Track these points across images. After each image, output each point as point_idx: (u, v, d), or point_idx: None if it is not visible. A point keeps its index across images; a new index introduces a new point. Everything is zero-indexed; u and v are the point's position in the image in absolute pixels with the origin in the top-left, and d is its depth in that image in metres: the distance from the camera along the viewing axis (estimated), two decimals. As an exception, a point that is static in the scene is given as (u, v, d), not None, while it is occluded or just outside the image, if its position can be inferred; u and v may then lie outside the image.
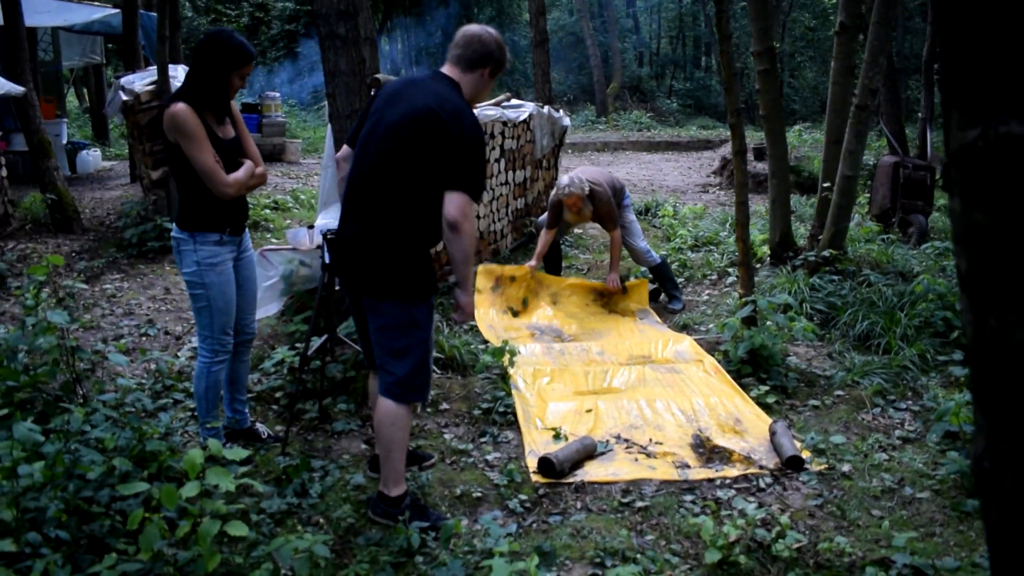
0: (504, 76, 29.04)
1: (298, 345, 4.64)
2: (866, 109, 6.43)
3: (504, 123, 7.60)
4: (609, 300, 6.85)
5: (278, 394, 4.51)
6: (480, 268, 6.59)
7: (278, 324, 5.27)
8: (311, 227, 5.22)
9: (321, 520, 3.35)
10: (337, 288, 4.11)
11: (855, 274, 6.66)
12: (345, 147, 3.54)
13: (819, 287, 6.41)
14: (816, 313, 6.09)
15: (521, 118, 8.02)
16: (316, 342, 4.14)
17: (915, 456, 4.13)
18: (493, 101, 7.83)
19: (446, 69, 3.36)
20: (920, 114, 10.85)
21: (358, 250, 3.31)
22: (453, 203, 3.09)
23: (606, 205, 6.44)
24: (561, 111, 9.71)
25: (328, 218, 5.62)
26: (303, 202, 9.47)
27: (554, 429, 4.33)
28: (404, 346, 3.31)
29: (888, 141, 10.01)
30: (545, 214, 6.93)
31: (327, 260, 3.89)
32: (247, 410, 4.05)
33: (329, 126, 5.68)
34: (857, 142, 6.54)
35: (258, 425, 4.07)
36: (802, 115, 25.62)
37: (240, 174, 3.66)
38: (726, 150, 17.44)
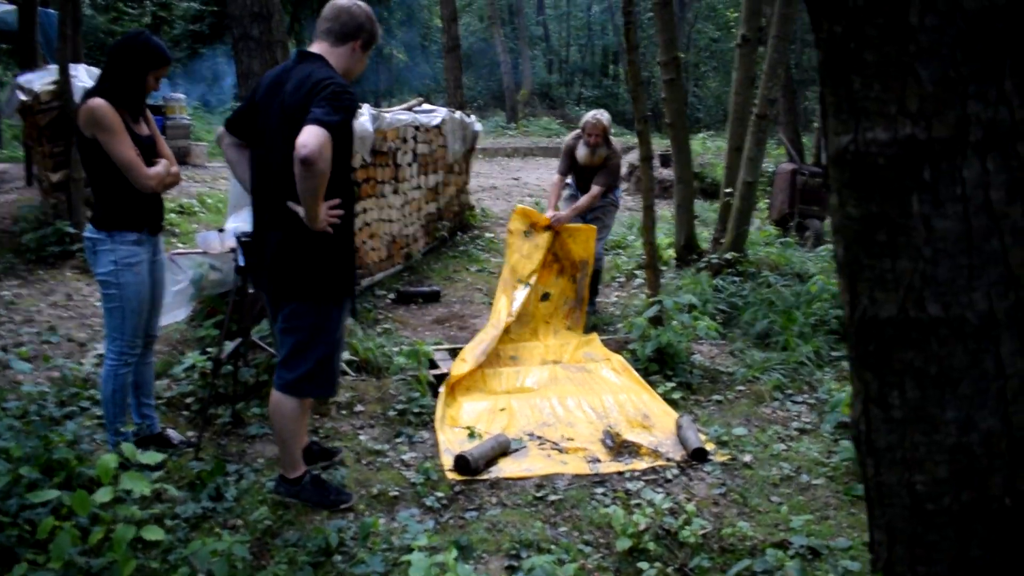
0: (416, 81, 29.03)
1: (209, 350, 4.60)
2: (765, 118, 6.74)
3: (417, 127, 7.66)
4: (556, 244, 6.29)
5: (189, 399, 4.45)
6: (518, 208, 6.43)
7: (187, 329, 5.19)
8: (221, 230, 5.16)
9: (238, 523, 3.34)
10: (251, 291, 4.10)
11: (755, 275, 6.97)
12: (222, 129, 3.49)
13: (722, 288, 6.68)
14: (719, 312, 6.34)
15: (434, 123, 8.09)
16: (230, 346, 4.12)
17: (811, 446, 4.37)
18: (405, 106, 7.88)
19: (315, 46, 3.30)
20: (816, 123, 11.37)
21: (274, 250, 3.31)
22: (308, 135, 2.85)
23: (615, 160, 6.33)
24: (473, 116, 9.81)
25: (238, 221, 5.56)
26: (210, 206, 9.31)
27: (469, 428, 4.41)
28: (308, 346, 3.33)
29: (786, 149, 10.46)
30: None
31: (241, 263, 3.88)
32: (155, 415, 3.99)
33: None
34: (757, 149, 6.85)
35: (169, 431, 4.02)
36: (706, 123, 26.44)
37: (159, 168, 3.65)
38: (633, 157, 17.85)
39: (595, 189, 6.21)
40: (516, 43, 31.10)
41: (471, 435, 4.34)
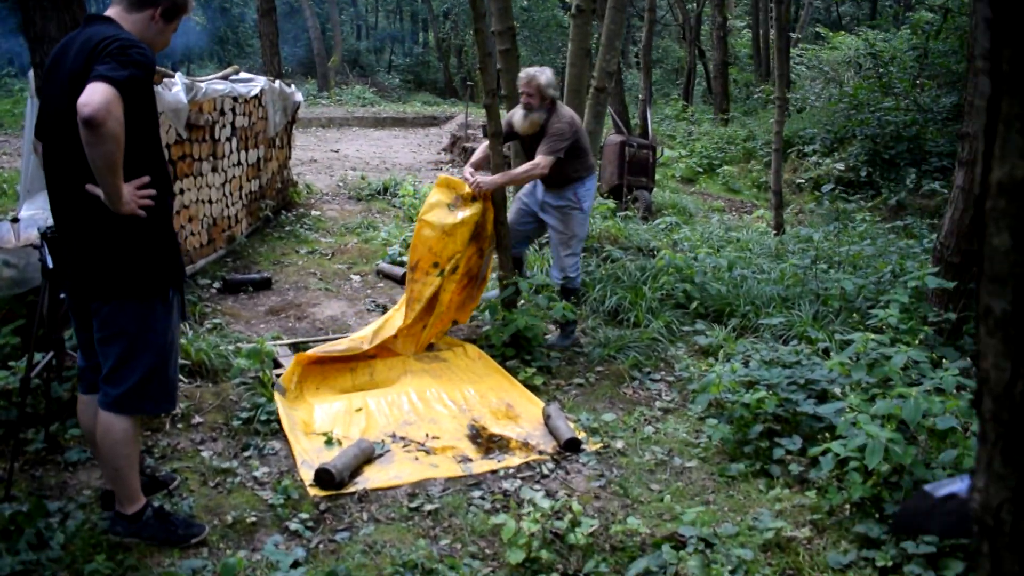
0: (227, 48, 27.25)
1: (11, 363, 3.92)
2: (604, 91, 6.66)
3: (235, 99, 7.00)
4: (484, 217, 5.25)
5: (-11, 423, 3.78)
6: (441, 178, 5.42)
7: (-21, 338, 4.43)
8: (16, 220, 4.44)
9: (67, 576, 2.83)
10: (62, 296, 3.51)
11: (599, 251, 6.92)
12: (36, 140, 2.99)
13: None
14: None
15: (252, 93, 7.45)
16: (40, 359, 3.51)
17: (678, 426, 4.33)
18: (221, 74, 7.18)
19: (108, 11, 2.86)
20: (640, 96, 11.56)
21: (76, 246, 2.85)
22: (89, 92, 2.46)
23: (559, 131, 5.14)
24: (293, 86, 9.18)
25: (34, 209, 4.83)
26: (-9, 188, 8.18)
27: (325, 434, 4.02)
28: (134, 354, 2.89)
29: (613, 121, 10.55)
30: None
31: (51, 265, 3.30)
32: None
33: (31, 101, 4.87)
34: (596, 123, 6.78)
35: (-33, 466, 3.37)
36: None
37: None
38: (453, 126, 17.62)
39: (536, 158, 5.12)
40: (323, 6, 29.89)
41: (328, 442, 3.96)
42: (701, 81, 25.52)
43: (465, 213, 5.17)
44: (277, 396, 4.29)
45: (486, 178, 5.18)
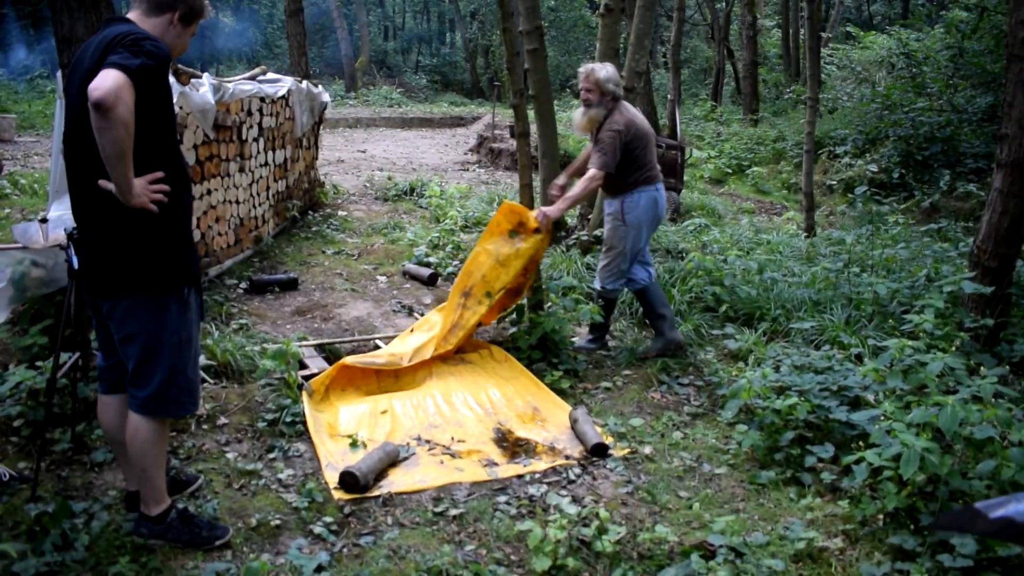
0: (256, 49, 27.45)
1: (39, 364, 3.93)
2: (633, 91, 6.58)
3: (262, 99, 7.02)
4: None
5: (17, 423, 3.78)
6: (506, 204, 5.17)
7: (9, 336, 4.46)
8: (44, 220, 4.46)
9: (92, 579, 2.81)
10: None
11: (626, 252, 6.84)
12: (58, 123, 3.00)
13: (594, 266, 6.51)
14: (594, 292, 6.17)
15: (280, 93, 7.46)
16: (67, 359, 3.51)
17: (706, 431, 4.26)
18: (248, 75, 7.20)
19: (128, 14, 2.88)
20: (669, 96, 11.45)
21: (90, 243, 2.84)
22: (103, 79, 2.44)
23: (607, 140, 4.81)
24: (320, 86, 9.20)
25: (62, 209, 4.85)
26: (24, 188, 8.24)
27: (351, 437, 4.00)
28: (152, 355, 2.87)
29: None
30: None
31: (75, 264, 3.30)
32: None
33: (59, 101, 4.88)
34: (624, 123, 6.69)
35: (-5, 466, 3.38)
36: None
37: None
38: (480, 127, 17.60)
39: (589, 171, 4.84)
40: (350, 8, 30.00)
41: (354, 445, 3.94)
42: (730, 81, 25.30)
43: (525, 244, 4.98)
44: (304, 397, 4.28)
45: (552, 208, 4.95)
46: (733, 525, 3.27)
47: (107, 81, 2.44)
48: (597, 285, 5.27)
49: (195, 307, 3.01)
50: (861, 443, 3.61)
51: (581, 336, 5.45)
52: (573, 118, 5.14)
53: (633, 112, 5.00)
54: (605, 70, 4.91)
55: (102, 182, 2.68)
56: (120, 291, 2.82)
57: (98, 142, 2.51)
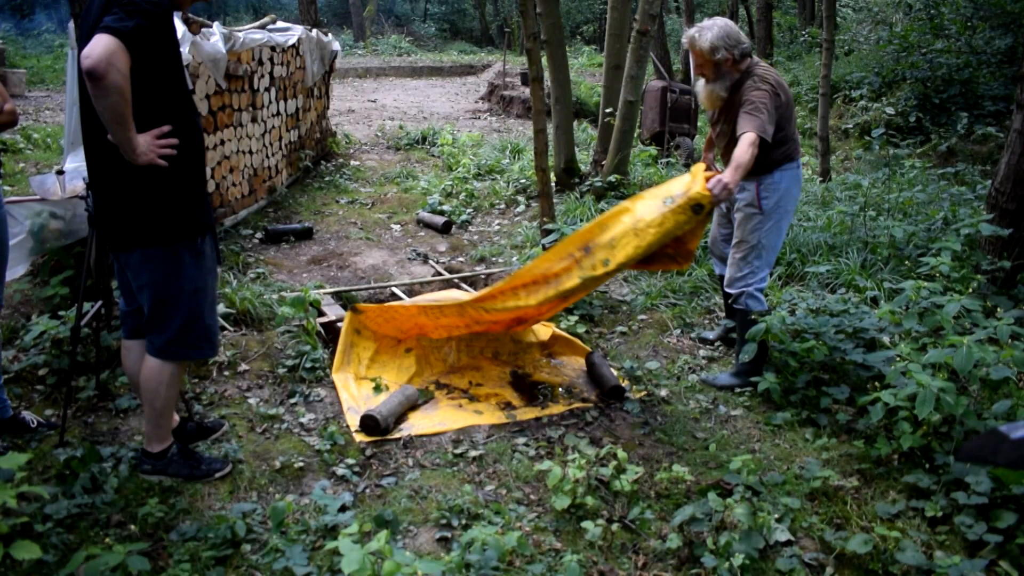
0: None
1: (61, 313, 3.98)
2: (647, 34, 6.50)
3: (273, 48, 6.97)
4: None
5: (42, 371, 3.85)
6: (697, 166, 3.75)
7: (30, 288, 4.51)
8: (61, 172, 4.47)
9: (122, 519, 2.88)
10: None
11: (640, 198, 6.82)
12: (71, 76, 2.98)
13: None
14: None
15: (290, 42, 7.40)
16: (89, 308, 3.56)
17: (723, 375, 4.28)
18: (258, 24, 7.14)
19: None
20: (682, 40, 11.28)
21: (103, 195, 2.86)
22: (94, 46, 2.42)
23: (750, 95, 3.82)
24: (330, 35, 9.11)
25: (79, 161, 4.86)
26: (37, 142, 8.24)
27: (374, 380, 4.04)
28: (168, 302, 2.90)
29: (655, 66, 10.33)
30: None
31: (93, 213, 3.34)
32: (6, 397, 3.40)
33: (71, 52, 4.86)
34: (638, 67, 6.62)
35: (23, 413, 3.44)
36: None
37: None
38: (490, 75, 17.43)
39: (746, 136, 3.71)
40: (357, -46, 29.49)
41: (377, 388, 3.99)
42: (743, 25, 24.86)
43: (670, 213, 3.56)
44: (347, 318, 4.29)
45: (727, 174, 3.57)
46: (749, 464, 3.30)
47: (97, 48, 2.42)
48: (732, 291, 4.17)
49: (210, 255, 3.03)
50: (877, 384, 3.63)
51: (718, 374, 4.35)
52: (696, 91, 4.21)
53: (773, 72, 3.98)
54: (709, 33, 3.85)
55: (111, 137, 2.68)
56: (133, 242, 2.84)
57: (95, 108, 2.52)
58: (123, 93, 2.48)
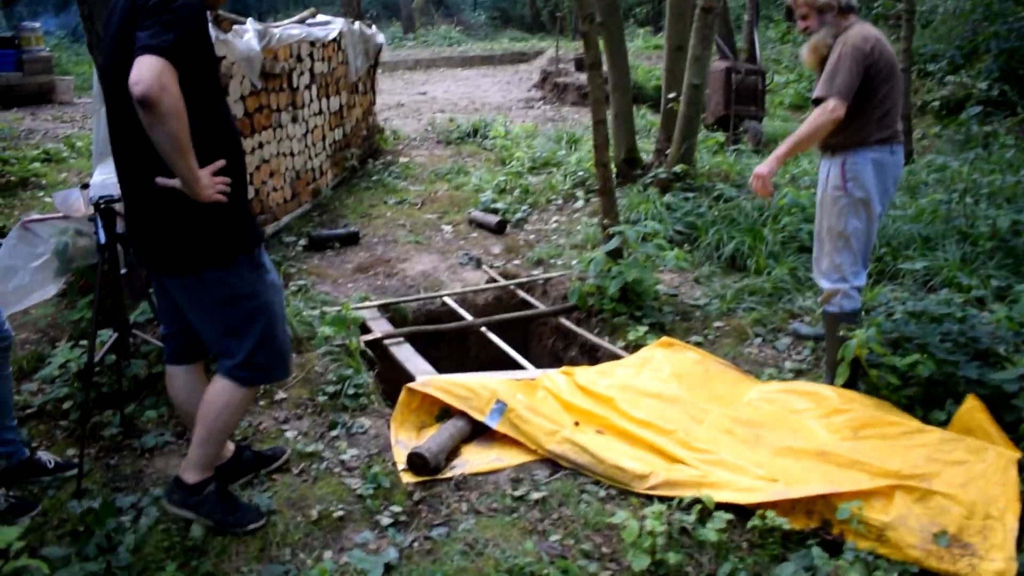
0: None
1: (84, 342, 3.68)
2: (711, 11, 5.98)
3: (312, 43, 6.62)
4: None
5: (67, 405, 3.54)
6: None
7: (58, 311, 4.22)
8: (85, 187, 4.17)
9: (138, 587, 2.54)
10: (124, 270, 3.23)
11: (709, 190, 6.32)
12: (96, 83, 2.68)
13: (675, 206, 6.02)
14: (676, 235, 5.68)
15: (331, 37, 7.06)
16: (107, 339, 3.23)
17: (814, 392, 3.78)
18: (296, 18, 6.80)
19: None
20: (746, 18, 10.66)
21: (138, 216, 2.56)
22: (138, 68, 2.13)
23: (840, 56, 3.42)
24: (374, 27, 8.75)
25: (106, 173, 4.57)
26: (80, 150, 8.05)
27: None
28: (237, 321, 2.62)
29: (718, 46, 9.75)
30: None
31: (102, 239, 3.03)
32: (17, 439, 3.09)
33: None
34: (703, 48, 6.11)
35: (40, 454, 3.13)
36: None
37: None
38: (543, 61, 16.94)
39: (813, 113, 3.47)
40: (405, -54, 29.18)
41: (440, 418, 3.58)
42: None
43: None
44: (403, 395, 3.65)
45: (763, 165, 3.60)
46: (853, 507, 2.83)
47: (145, 72, 2.11)
48: (826, 284, 3.76)
49: (271, 267, 2.73)
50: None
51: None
52: (801, 53, 3.88)
53: (870, 30, 3.52)
54: None
55: (160, 180, 2.38)
56: (187, 267, 2.54)
57: (152, 139, 2.22)
58: (181, 117, 2.19)
